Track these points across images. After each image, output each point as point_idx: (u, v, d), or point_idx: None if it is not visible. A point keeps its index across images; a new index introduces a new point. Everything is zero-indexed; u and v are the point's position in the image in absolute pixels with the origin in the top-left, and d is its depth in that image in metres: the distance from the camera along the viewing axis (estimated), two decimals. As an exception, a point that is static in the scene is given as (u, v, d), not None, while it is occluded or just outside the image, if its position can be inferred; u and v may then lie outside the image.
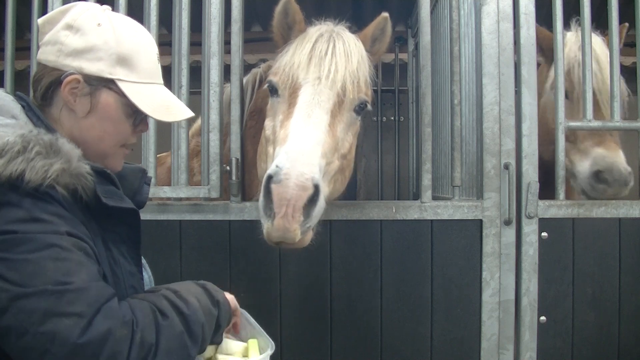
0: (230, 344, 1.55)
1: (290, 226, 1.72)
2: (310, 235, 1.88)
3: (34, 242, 1.15)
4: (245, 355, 1.54)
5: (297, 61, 2.09)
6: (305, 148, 1.86)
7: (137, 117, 1.48)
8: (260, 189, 1.81)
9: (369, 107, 2.20)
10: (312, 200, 1.76)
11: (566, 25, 2.78)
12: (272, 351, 1.52)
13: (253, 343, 1.57)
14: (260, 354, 1.53)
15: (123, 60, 1.41)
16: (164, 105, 1.48)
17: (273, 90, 2.15)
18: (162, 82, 1.54)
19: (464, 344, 2.39)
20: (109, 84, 1.40)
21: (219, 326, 1.44)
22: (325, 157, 1.93)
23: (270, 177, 1.76)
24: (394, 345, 2.39)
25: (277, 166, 1.77)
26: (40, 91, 1.42)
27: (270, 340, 1.56)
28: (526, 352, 2.37)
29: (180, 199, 2.44)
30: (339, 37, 2.15)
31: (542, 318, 2.39)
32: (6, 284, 1.12)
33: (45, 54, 1.41)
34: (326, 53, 2.08)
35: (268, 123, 2.15)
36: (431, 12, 2.84)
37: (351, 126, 2.14)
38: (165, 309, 1.28)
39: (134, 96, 1.41)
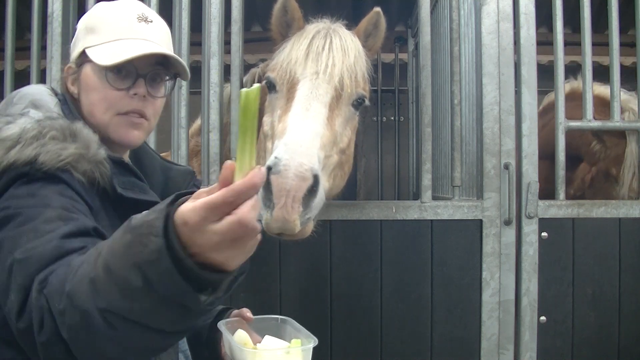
0: (273, 342, 1.53)
1: (289, 217, 1.71)
2: (311, 227, 1.87)
3: (21, 217, 1.14)
4: (288, 353, 1.50)
5: (294, 57, 2.10)
6: (304, 140, 1.86)
7: (123, 79, 1.42)
8: None
9: (367, 102, 2.20)
10: (312, 191, 1.76)
11: (566, 25, 2.78)
12: (315, 344, 1.46)
13: (296, 342, 1.52)
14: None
15: (91, 30, 1.43)
16: (122, 51, 1.39)
17: (271, 87, 2.16)
18: (140, 37, 1.43)
19: (464, 344, 2.39)
20: (86, 57, 1.42)
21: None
22: (324, 149, 1.93)
23: (269, 168, 1.75)
24: (394, 345, 2.39)
25: (276, 157, 1.77)
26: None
27: (314, 337, 1.49)
28: (526, 352, 2.37)
29: (180, 199, 2.44)
30: (336, 33, 2.16)
31: (542, 318, 2.39)
32: None
33: None
34: (323, 48, 2.09)
35: (266, 119, 2.15)
36: (431, 12, 2.84)
37: (349, 121, 2.14)
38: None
39: (95, 55, 1.39)
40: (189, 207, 0.85)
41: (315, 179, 1.76)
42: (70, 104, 1.44)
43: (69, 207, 1.18)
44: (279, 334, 1.58)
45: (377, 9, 2.26)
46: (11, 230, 1.12)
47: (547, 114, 2.98)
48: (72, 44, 1.50)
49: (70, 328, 0.95)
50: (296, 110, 1.98)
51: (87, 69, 1.43)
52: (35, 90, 1.44)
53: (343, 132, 2.09)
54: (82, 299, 0.93)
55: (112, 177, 1.32)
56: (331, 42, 2.11)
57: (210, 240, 0.85)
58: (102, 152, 1.30)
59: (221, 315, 1.62)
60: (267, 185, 1.74)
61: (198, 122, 3.04)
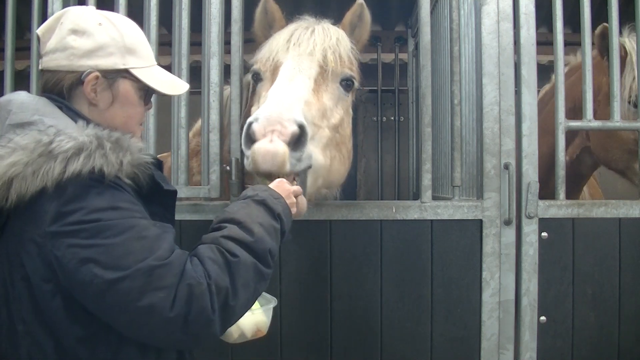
0: None
1: (276, 146, 1.64)
2: (304, 203, 1.78)
3: (117, 227, 1.31)
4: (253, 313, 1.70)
5: (275, 46, 2.14)
6: (285, 100, 1.84)
7: (146, 97, 1.64)
8: (242, 139, 1.79)
9: (356, 84, 2.20)
10: (299, 140, 1.72)
11: (566, 25, 2.78)
12: (275, 304, 1.73)
13: (256, 304, 1.70)
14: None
15: (131, 51, 1.55)
16: (169, 81, 1.67)
17: (257, 78, 2.19)
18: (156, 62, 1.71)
19: (464, 344, 2.39)
20: (123, 73, 1.54)
21: (284, 232, 1.58)
22: (310, 113, 1.89)
23: (250, 123, 1.73)
24: (394, 345, 2.39)
25: (256, 115, 1.75)
26: (59, 93, 1.51)
27: (274, 298, 1.76)
28: (526, 352, 2.37)
29: (181, 199, 2.44)
30: (319, 24, 2.19)
31: (542, 318, 2.39)
32: (101, 270, 1.26)
33: (57, 60, 1.50)
34: (304, 35, 2.13)
35: (253, 109, 2.16)
36: (431, 12, 2.84)
37: (340, 100, 2.13)
38: (232, 248, 1.40)
39: (148, 79, 1.58)
40: (285, 186, 1.66)
41: (302, 128, 1.72)
42: (74, 109, 1.50)
43: (146, 216, 1.41)
44: None
45: (360, 0, 2.28)
46: (113, 238, 1.30)
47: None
48: (90, 51, 1.48)
49: (247, 283, 1.40)
50: (279, 82, 1.98)
51: (126, 85, 1.56)
52: (26, 97, 1.48)
53: (333, 108, 2.07)
54: (249, 261, 1.42)
55: (154, 173, 1.50)
56: (313, 30, 2.14)
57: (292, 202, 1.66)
58: (145, 157, 1.47)
59: None
60: (249, 138, 1.72)
61: (199, 122, 3.04)
